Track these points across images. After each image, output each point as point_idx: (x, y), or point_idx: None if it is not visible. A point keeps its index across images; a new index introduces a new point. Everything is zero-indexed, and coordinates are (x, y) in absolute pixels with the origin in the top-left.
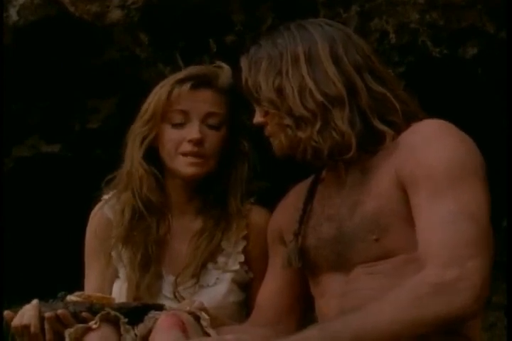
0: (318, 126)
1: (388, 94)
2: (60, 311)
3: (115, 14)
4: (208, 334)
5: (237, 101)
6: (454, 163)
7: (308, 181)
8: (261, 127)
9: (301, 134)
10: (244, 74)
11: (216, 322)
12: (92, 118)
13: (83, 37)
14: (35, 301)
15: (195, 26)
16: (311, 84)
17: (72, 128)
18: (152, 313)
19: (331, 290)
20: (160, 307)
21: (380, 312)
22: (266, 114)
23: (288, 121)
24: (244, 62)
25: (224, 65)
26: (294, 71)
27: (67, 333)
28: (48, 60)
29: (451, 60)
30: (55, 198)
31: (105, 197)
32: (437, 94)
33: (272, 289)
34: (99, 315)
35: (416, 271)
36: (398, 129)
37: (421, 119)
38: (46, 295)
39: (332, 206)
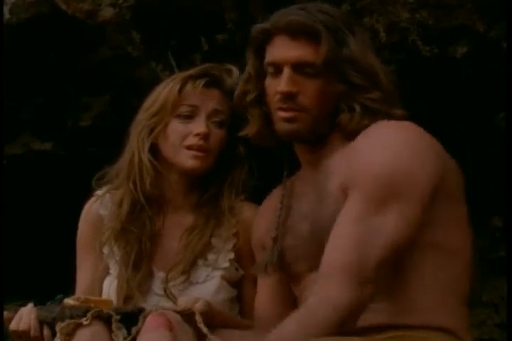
0: (379, 93)
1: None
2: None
3: (107, 12)
4: (200, 331)
5: None
6: (386, 178)
7: (281, 186)
8: None
9: (360, 97)
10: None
11: (223, 318)
12: (85, 116)
13: (76, 35)
14: (30, 305)
15: (186, 24)
16: (371, 55)
17: (64, 125)
18: (144, 313)
19: (310, 292)
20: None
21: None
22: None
23: (359, 80)
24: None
25: (233, 68)
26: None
27: (59, 328)
28: (41, 57)
29: (442, 59)
30: (48, 196)
31: (98, 192)
32: (427, 93)
33: (263, 299)
34: (91, 311)
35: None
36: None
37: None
38: (44, 294)
39: (306, 202)
